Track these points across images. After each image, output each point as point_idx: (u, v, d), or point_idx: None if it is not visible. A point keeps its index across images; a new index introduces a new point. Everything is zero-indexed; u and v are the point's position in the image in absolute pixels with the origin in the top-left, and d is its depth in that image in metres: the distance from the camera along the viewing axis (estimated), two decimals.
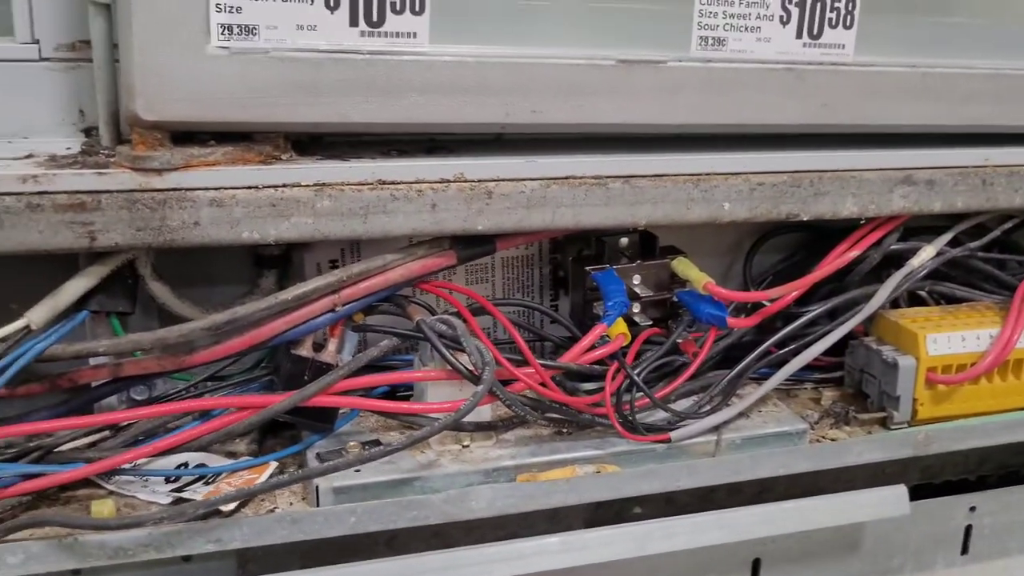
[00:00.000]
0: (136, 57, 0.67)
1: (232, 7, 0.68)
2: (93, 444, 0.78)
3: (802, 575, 0.93)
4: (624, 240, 0.90)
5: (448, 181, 0.77)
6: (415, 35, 0.73)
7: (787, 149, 0.87)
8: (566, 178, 0.80)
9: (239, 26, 0.69)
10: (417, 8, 0.73)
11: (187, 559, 0.73)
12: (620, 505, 0.90)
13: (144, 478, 0.77)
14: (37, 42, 0.75)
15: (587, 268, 0.88)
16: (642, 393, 0.82)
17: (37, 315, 0.71)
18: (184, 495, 0.74)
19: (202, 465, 0.78)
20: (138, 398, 0.84)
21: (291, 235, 0.74)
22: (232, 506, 0.72)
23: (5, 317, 0.78)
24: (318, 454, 0.78)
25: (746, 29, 0.82)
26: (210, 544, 0.69)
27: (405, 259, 0.79)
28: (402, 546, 0.85)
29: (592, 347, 0.81)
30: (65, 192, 0.68)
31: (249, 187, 0.72)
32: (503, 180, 0.78)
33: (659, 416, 0.86)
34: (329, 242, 0.88)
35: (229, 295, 0.85)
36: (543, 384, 0.78)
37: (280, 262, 0.85)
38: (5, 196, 0.67)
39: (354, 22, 0.72)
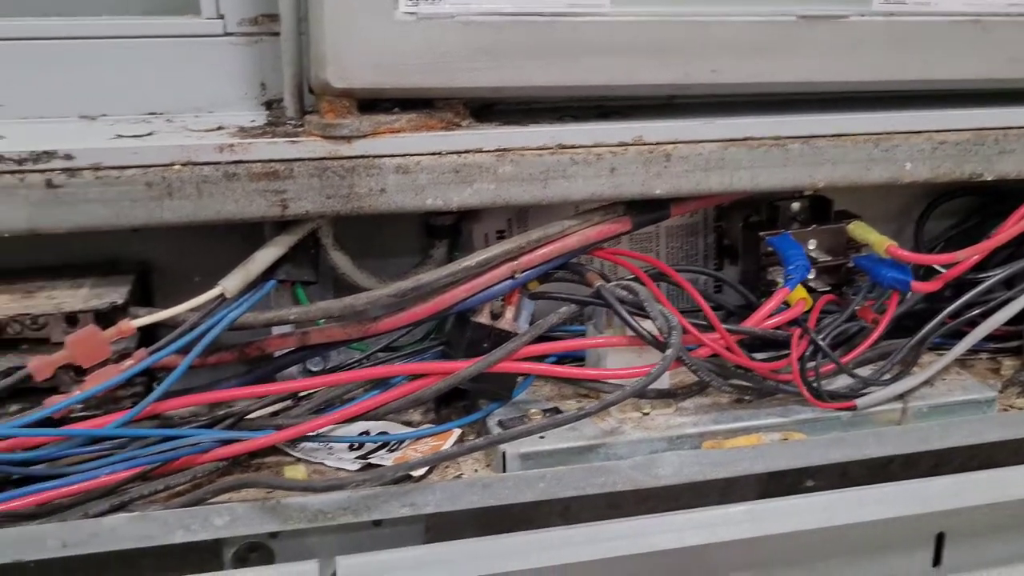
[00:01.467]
0: (327, 26, 0.68)
1: None
2: (275, 413, 0.80)
3: (989, 549, 0.89)
4: (796, 205, 0.88)
5: (627, 144, 0.76)
6: None
7: (970, 106, 0.84)
8: (744, 139, 0.78)
9: None
10: None
11: (377, 523, 0.73)
12: (794, 477, 0.88)
13: (328, 445, 0.77)
14: (222, 17, 0.77)
15: (761, 233, 0.86)
16: (826, 359, 0.79)
17: (231, 284, 0.73)
18: (371, 461, 0.75)
19: (383, 433, 0.79)
20: (314, 369, 0.86)
21: (473, 201, 0.74)
22: (422, 471, 0.73)
23: (190, 289, 0.81)
24: (500, 421, 0.77)
25: None
26: (405, 508, 0.70)
27: (582, 225, 0.78)
28: (575, 516, 0.85)
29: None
30: (260, 161, 0.69)
31: (433, 153, 0.72)
32: (681, 142, 0.77)
33: (839, 384, 0.83)
34: (497, 213, 0.89)
35: (400, 266, 0.85)
36: (728, 349, 0.76)
37: (451, 232, 0.85)
38: (204, 166, 0.69)
39: None
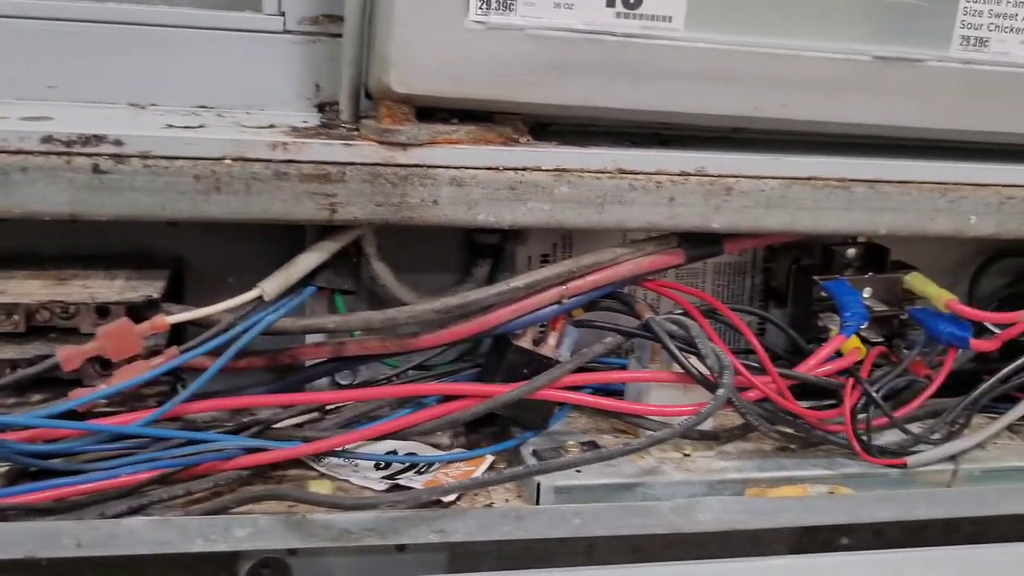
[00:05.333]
0: (395, 28, 0.66)
1: None
2: (300, 424, 0.77)
3: None
4: (851, 251, 0.85)
5: (688, 174, 0.73)
6: (671, 19, 0.70)
7: None
8: (808, 178, 0.75)
9: (498, 1, 0.67)
10: None
11: (401, 548, 0.70)
12: (827, 532, 0.85)
13: (354, 462, 0.74)
14: (283, 14, 0.75)
15: (815, 278, 0.83)
16: (877, 412, 0.76)
17: (270, 286, 0.70)
18: (399, 482, 0.72)
19: (411, 453, 0.76)
20: (343, 382, 0.83)
21: (527, 220, 0.71)
22: (452, 497, 0.69)
23: (223, 289, 0.79)
24: (535, 451, 0.74)
25: (1011, 30, 0.77)
26: (433, 534, 0.67)
27: (634, 254, 0.75)
28: (599, 557, 0.82)
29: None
30: (312, 162, 0.67)
31: (490, 168, 0.70)
32: (744, 176, 0.74)
33: (887, 439, 0.80)
34: (542, 235, 0.86)
35: (436, 281, 0.83)
36: (780, 394, 0.73)
37: (495, 252, 0.82)
38: (255, 162, 0.66)
39: (611, 2, 0.69)
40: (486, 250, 0.81)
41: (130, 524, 0.63)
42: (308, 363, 0.77)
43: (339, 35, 0.74)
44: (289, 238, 0.77)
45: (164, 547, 0.63)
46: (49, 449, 0.66)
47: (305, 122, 0.74)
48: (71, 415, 0.66)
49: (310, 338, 0.77)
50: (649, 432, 0.71)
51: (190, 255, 0.79)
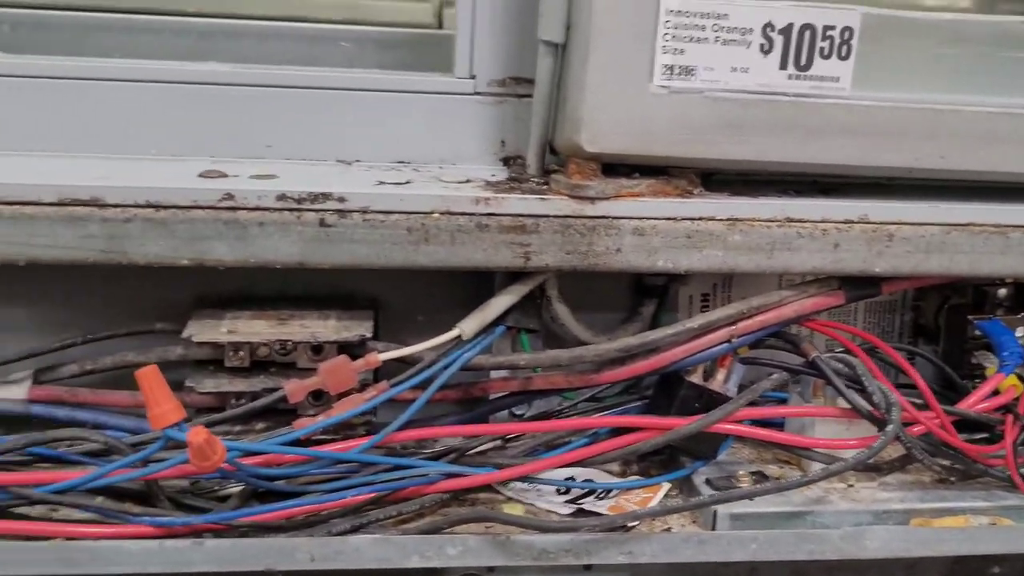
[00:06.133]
0: (587, 94, 0.72)
1: (677, 49, 0.73)
2: (483, 452, 0.84)
3: None
4: (1003, 291, 0.89)
5: (852, 222, 0.78)
6: (838, 79, 0.75)
7: None
8: (966, 224, 0.80)
9: (680, 67, 0.73)
10: (844, 54, 0.75)
11: (588, 568, 0.76)
12: (979, 562, 0.88)
13: (537, 487, 0.81)
14: (473, 77, 0.82)
15: (970, 317, 0.87)
16: None
17: (468, 326, 0.77)
18: (583, 507, 0.78)
19: (588, 480, 0.82)
20: (518, 413, 0.90)
21: (701, 266, 0.77)
22: (636, 522, 0.75)
23: (413, 327, 0.86)
24: (708, 480, 0.80)
25: None
26: (622, 556, 0.73)
27: (799, 296, 0.81)
28: None
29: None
30: (510, 215, 0.74)
31: (668, 218, 0.76)
32: (905, 223, 0.79)
33: None
34: (705, 276, 0.92)
35: (605, 319, 0.89)
36: (943, 428, 0.77)
37: (661, 292, 0.88)
38: (459, 216, 0.74)
39: (783, 65, 0.75)
40: (653, 291, 0.87)
41: (356, 541, 0.70)
42: (493, 396, 0.84)
43: (524, 95, 0.82)
44: (471, 280, 0.84)
45: (385, 563, 0.71)
46: (276, 472, 0.74)
47: (494, 175, 0.81)
48: (295, 443, 0.74)
49: (495, 373, 0.84)
50: (819, 465, 0.76)
51: (384, 296, 0.87)
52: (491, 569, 0.75)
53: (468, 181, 0.78)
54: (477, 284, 0.84)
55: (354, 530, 0.72)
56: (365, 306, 0.84)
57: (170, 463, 0.68)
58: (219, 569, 0.69)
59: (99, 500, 0.70)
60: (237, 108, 0.80)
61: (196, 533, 0.70)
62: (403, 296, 0.87)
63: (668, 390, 0.83)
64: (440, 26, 1.97)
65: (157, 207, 0.71)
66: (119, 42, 0.95)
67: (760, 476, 0.81)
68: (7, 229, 0.69)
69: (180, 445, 0.68)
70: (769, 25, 0.73)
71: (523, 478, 0.79)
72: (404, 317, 0.88)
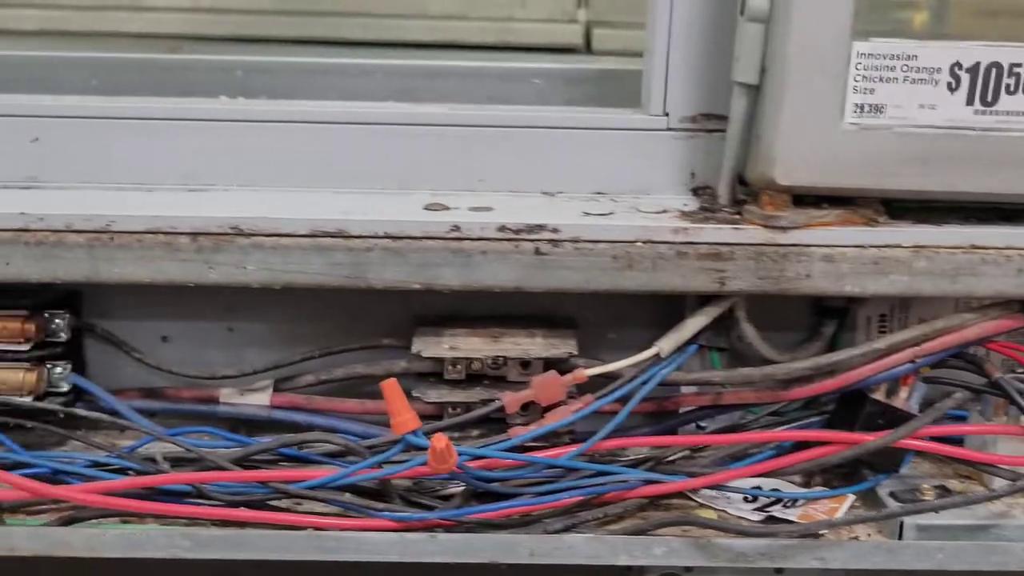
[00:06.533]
0: (781, 132, 0.78)
1: (867, 89, 0.78)
2: (673, 461, 0.90)
3: None
4: None
5: None
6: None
7: None
8: None
9: (870, 105, 0.78)
10: None
11: (779, 571, 0.82)
12: None
13: (726, 495, 0.87)
14: (667, 115, 0.89)
15: None
16: None
17: (666, 345, 0.84)
18: (773, 514, 0.84)
19: (776, 490, 0.87)
20: (702, 425, 0.96)
21: (887, 291, 0.82)
22: (827, 530, 0.81)
23: (605, 344, 0.93)
24: (892, 493, 0.84)
25: None
26: (815, 561, 0.78)
27: (981, 319, 0.84)
28: None
29: None
30: (707, 243, 0.81)
31: (856, 246, 0.81)
32: None
33: None
34: (883, 299, 0.96)
35: (784, 338, 0.94)
36: None
37: (841, 313, 0.93)
38: (660, 244, 0.81)
39: (970, 102, 0.79)
40: (834, 312, 0.92)
41: (570, 539, 0.78)
42: (682, 409, 0.91)
43: (713, 130, 0.88)
44: (657, 301, 0.90)
45: (595, 560, 0.78)
46: (494, 475, 0.82)
47: (686, 205, 0.87)
48: (511, 449, 0.83)
49: (685, 388, 0.91)
50: (1004, 480, 0.80)
51: (579, 315, 0.95)
52: (689, 569, 0.82)
53: (664, 211, 0.85)
54: (663, 305, 0.91)
55: (566, 529, 0.80)
56: (564, 325, 0.92)
57: (409, 465, 0.77)
58: (450, 560, 0.78)
59: (346, 496, 0.79)
60: (454, 145, 0.89)
61: (429, 527, 0.79)
62: (596, 316, 0.95)
63: (851, 406, 0.87)
64: (588, 47, 2.06)
65: (394, 238, 0.80)
66: (334, 83, 1.06)
67: (943, 490, 0.85)
68: (268, 257, 0.80)
69: (416, 449, 0.77)
70: (957, 64, 0.78)
71: (714, 486, 0.85)
72: (597, 335, 0.95)
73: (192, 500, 0.80)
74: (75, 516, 0.79)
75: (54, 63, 1.05)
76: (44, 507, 0.81)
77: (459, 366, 0.87)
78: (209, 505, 0.79)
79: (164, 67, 1.03)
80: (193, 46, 1.90)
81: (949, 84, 0.78)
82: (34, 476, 0.79)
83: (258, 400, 0.90)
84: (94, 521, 0.79)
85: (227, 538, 0.77)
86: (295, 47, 1.94)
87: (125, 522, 0.80)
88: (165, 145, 0.87)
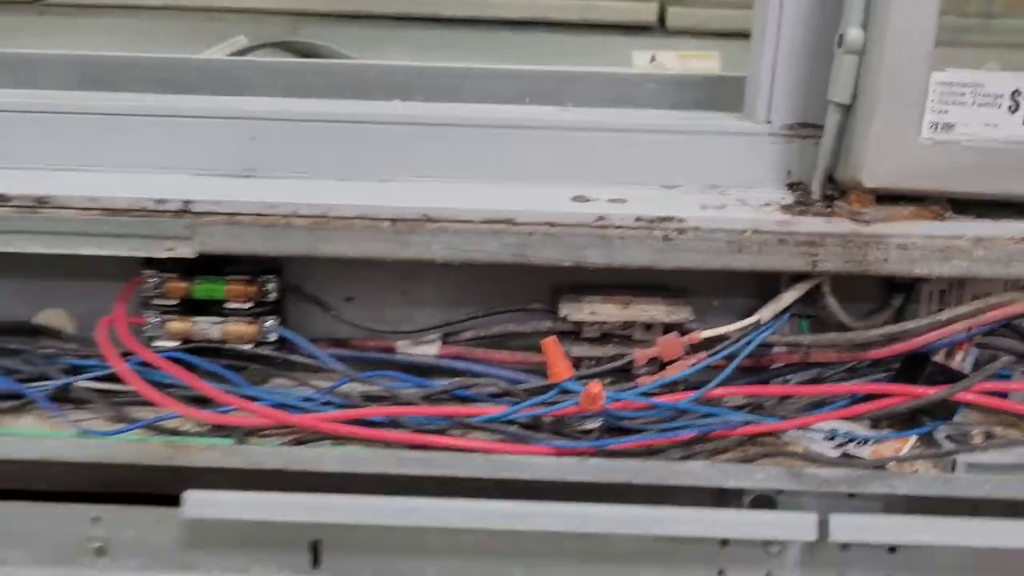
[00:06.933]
0: (869, 144, 0.97)
1: (942, 110, 0.96)
2: (766, 408, 1.10)
3: None
4: None
5: None
6: None
7: None
8: None
9: (943, 124, 0.96)
10: None
11: (851, 496, 1.02)
12: None
13: (808, 435, 1.07)
14: (769, 122, 1.07)
15: None
16: None
17: (765, 313, 1.04)
18: (847, 452, 1.04)
19: (850, 432, 1.07)
20: (789, 378, 1.15)
21: (950, 273, 1.00)
22: (895, 464, 1.01)
23: (710, 311, 1.13)
24: (947, 436, 1.04)
25: None
26: (884, 487, 0.99)
27: None
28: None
29: None
30: (804, 232, 1.00)
31: (926, 236, 1.00)
32: None
33: None
34: (943, 279, 1.14)
35: (858, 309, 1.13)
36: None
37: (907, 289, 1.12)
38: (766, 233, 1.00)
39: None
40: (902, 287, 1.11)
41: (689, 466, 0.99)
42: (774, 366, 1.11)
43: (808, 136, 1.06)
44: (757, 277, 1.09)
45: (708, 482, 0.99)
46: (625, 415, 1.03)
47: (783, 199, 1.06)
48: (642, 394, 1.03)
49: (777, 348, 1.10)
50: None
51: (689, 286, 1.14)
52: (779, 492, 1.02)
53: (767, 204, 1.04)
54: (760, 280, 1.10)
55: (684, 458, 1.01)
56: (677, 294, 1.12)
57: (565, 404, 0.98)
58: (593, 480, 0.99)
59: (514, 428, 1.01)
60: (592, 145, 1.08)
61: (579, 454, 1.00)
62: (704, 287, 1.14)
63: (914, 366, 1.07)
64: (662, 23, 2.22)
65: (552, 224, 1.00)
66: (479, 85, 1.24)
67: (990, 435, 1.04)
68: (451, 239, 1.00)
69: (565, 392, 0.98)
70: (1017, 92, 0.96)
71: (800, 428, 1.05)
72: (705, 303, 1.14)
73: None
74: (302, 439, 1.01)
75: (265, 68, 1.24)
76: (272, 432, 1.03)
77: (595, 327, 1.07)
78: (402, 432, 1.01)
79: (341, 72, 1.22)
80: (309, 24, 2.10)
81: (1010, 107, 0.96)
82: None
83: (429, 351, 1.11)
84: (313, 444, 1.02)
85: (421, 459, 1.00)
86: (399, 22, 2.14)
87: (336, 444, 1.02)
88: (358, 143, 1.07)
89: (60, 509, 1.07)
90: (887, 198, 1.01)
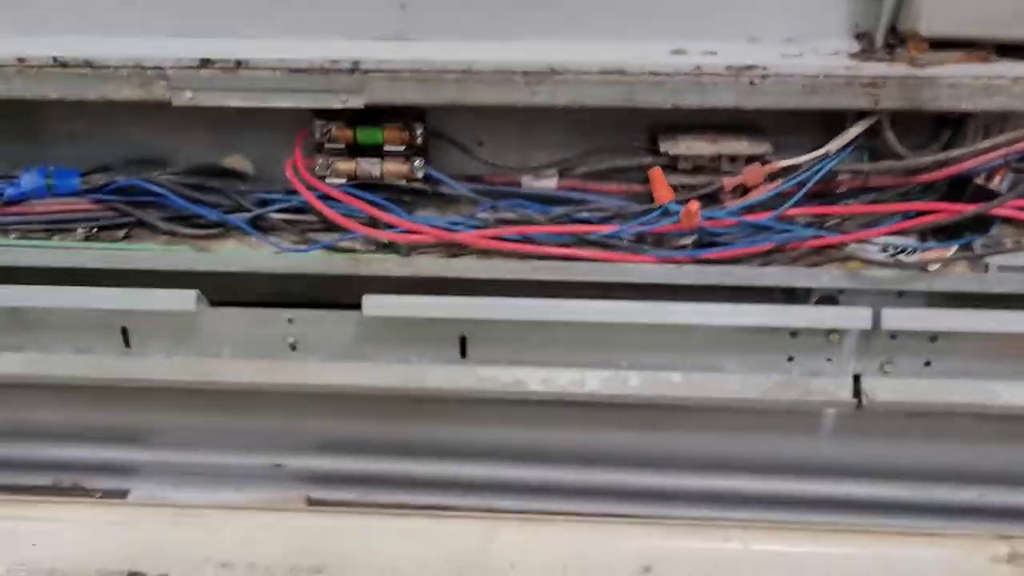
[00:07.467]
0: None
1: None
2: (830, 224, 1.32)
3: None
4: None
5: None
6: None
7: None
8: None
9: None
10: None
11: (900, 295, 1.25)
12: None
13: (865, 247, 1.29)
14: None
15: None
16: None
17: (833, 145, 1.24)
18: (899, 259, 1.26)
19: (901, 244, 1.29)
20: (848, 202, 1.37)
21: (991, 107, 1.19)
22: (937, 266, 1.23)
23: (780, 144, 1.33)
24: (983, 244, 1.25)
25: None
26: (926, 285, 1.22)
27: None
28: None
29: None
30: (868, 76, 1.19)
31: (973, 76, 1.18)
32: None
33: None
34: (986, 114, 1.33)
35: (915, 142, 1.32)
36: None
37: (955, 123, 1.31)
38: (836, 77, 1.19)
39: None
40: (950, 122, 1.30)
41: (768, 270, 1.24)
42: (840, 190, 1.32)
43: None
44: (823, 114, 1.29)
45: (784, 282, 1.25)
46: (714, 230, 1.26)
47: (851, 48, 1.25)
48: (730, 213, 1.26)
49: (841, 176, 1.31)
50: None
51: (764, 124, 1.34)
52: (841, 291, 1.26)
53: (836, 53, 1.23)
54: (825, 117, 1.29)
55: (764, 264, 1.24)
56: (754, 130, 1.32)
57: (669, 221, 1.21)
58: (689, 282, 1.24)
59: (625, 242, 1.25)
60: (688, 5, 1.27)
61: (677, 262, 1.24)
62: (775, 123, 1.34)
63: (958, 188, 1.27)
64: None
65: (655, 73, 1.21)
66: None
67: (1019, 243, 1.25)
68: (571, 89, 1.21)
69: (667, 213, 1.22)
70: None
71: (859, 241, 1.27)
72: (775, 137, 1.35)
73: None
74: (456, 253, 1.26)
75: None
76: (429, 248, 1.28)
77: (689, 160, 1.29)
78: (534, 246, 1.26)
79: None
80: None
81: None
82: None
83: (548, 184, 1.34)
84: (463, 257, 1.27)
85: (549, 267, 1.24)
86: None
87: (481, 257, 1.27)
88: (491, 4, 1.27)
89: (261, 313, 1.34)
90: (941, 45, 1.19)
